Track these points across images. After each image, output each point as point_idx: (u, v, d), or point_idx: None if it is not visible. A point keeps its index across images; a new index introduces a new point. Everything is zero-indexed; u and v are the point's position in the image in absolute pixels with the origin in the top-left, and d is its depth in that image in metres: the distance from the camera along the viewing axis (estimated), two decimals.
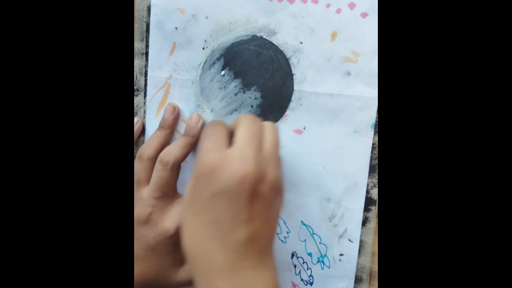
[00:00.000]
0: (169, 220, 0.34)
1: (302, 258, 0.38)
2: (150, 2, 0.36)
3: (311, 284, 0.38)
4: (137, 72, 0.38)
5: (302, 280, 0.39)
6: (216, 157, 0.27)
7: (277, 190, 0.29)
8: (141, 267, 0.34)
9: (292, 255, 0.38)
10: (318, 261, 0.38)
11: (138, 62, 0.37)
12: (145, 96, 0.38)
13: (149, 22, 0.36)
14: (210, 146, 0.28)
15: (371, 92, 0.35)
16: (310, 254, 0.38)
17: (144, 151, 0.35)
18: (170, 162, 0.34)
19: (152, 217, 0.34)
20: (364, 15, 0.34)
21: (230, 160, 0.27)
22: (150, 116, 0.38)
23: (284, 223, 0.38)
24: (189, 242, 0.28)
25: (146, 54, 0.37)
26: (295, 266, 0.38)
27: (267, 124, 0.31)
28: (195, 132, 0.36)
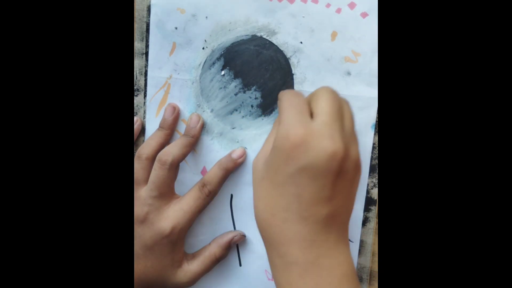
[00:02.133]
0: (165, 220, 0.34)
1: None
2: (150, 2, 0.36)
3: None
4: (137, 72, 0.38)
5: None
6: (303, 131, 0.26)
7: (358, 168, 0.28)
8: (142, 266, 0.34)
9: None
10: None
11: (138, 62, 0.37)
12: (145, 96, 0.38)
13: (149, 22, 0.36)
14: (294, 118, 0.27)
15: (371, 92, 0.35)
16: None
17: (143, 151, 0.35)
18: (168, 162, 0.34)
19: (148, 217, 0.34)
20: (364, 15, 0.34)
21: (318, 136, 0.26)
22: (150, 116, 0.38)
23: None
24: (264, 211, 0.28)
25: (146, 54, 0.37)
26: None
27: (343, 99, 0.30)
28: (195, 132, 0.36)
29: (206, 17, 0.36)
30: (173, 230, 0.34)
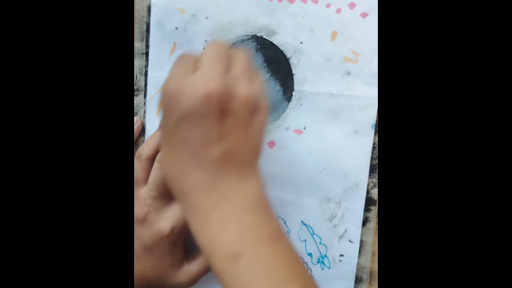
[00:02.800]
0: (164, 221, 0.34)
1: (302, 259, 0.38)
2: (150, 2, 0.36)
3: None
4: (137, 72, 0.38)
5: None
6: (178, 82, 0.27)
7: (255, 106, 0.28)
8: (141, 267, 0.34)
9: None
10: (318, 262, 0.38)
11: (138, 62, 0.37)
12: (145, 96, 0.38)
13: (149, 22, 0.36)
14: (175, 73, 0.28)
15: (371, 92, 0.35)
16: (310, 255, 0.38)
17: (143, 151, 0.35)
18: None
19: (148, 217, 0.34)
20: (364, 15, 0.34)
21: (192, 82, 0.26)
22: (150, 116, 0.38)
23: (284, 223, 0.38)
24: (166, 167, 0.29)
25: (146, 54, 0.37)
26: None
27: (235, 49, 0.30)
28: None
29: (207, 17, 0.36)
30: (172, 230, 0.33)
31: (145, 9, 0.36)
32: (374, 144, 0.35)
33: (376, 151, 0.35)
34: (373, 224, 0.36)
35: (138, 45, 0.37)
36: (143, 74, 0.38)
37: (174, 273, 0.35)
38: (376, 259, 0.37)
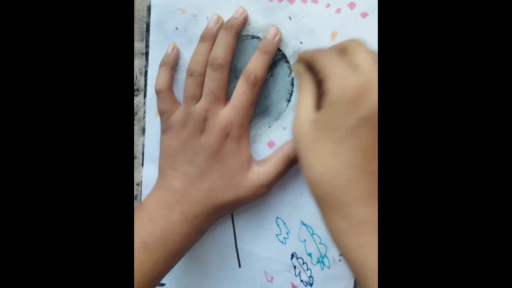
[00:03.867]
0: (224, 120, 0.33)
1: (302, 259, 0.38)
2: (150, 2, 0.36)
3: (311, 285, 0.38)
4: (137, 72, 0.38)
5: (302, 281, 0.39)
6: (359, 80, 0.25)
7: None
8: (209, 182, 0.33)
9: (292, 256, 0.38)
10: (318, 262, 0.38)
11: (138, 62, 0.37)
12: (145, 96, 0.38)
13: (149, 22, 0.37)
14: (344, 70, 0.26)
15: None
16: (310, 255, 0.38)
17: (194, 68, 0.34)
18: (219, 65, 0.33)
19: (208, 124, 0.33)
20: (364, 15, 0.34)
21: (374, 83, 0.25)
22: (150, 116, 0.38)
23: (284, 223, 0.38)
24: (324, 174, 0.26)
25: (146, 54, 0.37)
26: (295, 267, 0.38)
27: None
28: (234, 23, 0.34)
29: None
30: (232, 126, 0.33)
31: (145, 9, 0.36)
32: None
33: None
34: None
35: (138, 45, 0.37)
36: (143, 74, 0.38)
37: (246, 175, 0.34)
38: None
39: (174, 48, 0.36)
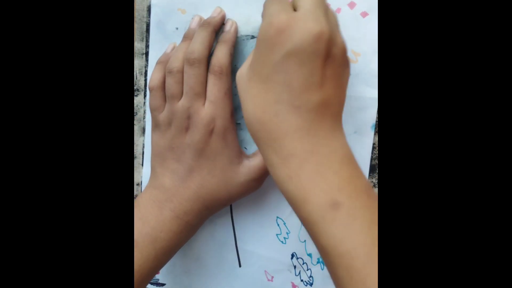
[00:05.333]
0: (206, 117, 0.32)
1: (302, 259, 0.38)
2: (150, 2, 0.36)
3: (311, 284, 0.38)
4: (137, 72, 0.38)
5: (302, 280, 0.39)
6: (286, 17, 0.25)
7: (346, 59, 0.28)
8: (199, 179, 0.33)
9: (292, 255, 0.38)
10: (318, 262, 0.38)
11: (138, 62, 0.37)
12: (145, 96, 0.38)
13: (149, 22, 0.37)
14: (276, 8, 0.26)
15: (371, 92, 0.35)
16: (310, 255, 0.38)
17: (173, 65, 0.33)
18: (196, 60, 0.32)
19: (192, 121, 0.33)
20: (364, 14, 0.34)
21: (302, 19, 0.25)
22: (149, 116, 0.38)
23: (284, 223, 0.38)
24: (256, 110, 0.27)
25: (146, 54, 0.37)
26: (295, 266, 0.38)
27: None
28: (215, 22, 0.34)
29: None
30: (214, 121, 0.33)
31: (145, 9, 0.36)
32: (374, 144, 0.35)
33: (376, 151, 0.35)
34: None
35: (138, 45, 0.37)
36: (143, 74, 0.38)
37: (236, 170, 0.33)
38: None
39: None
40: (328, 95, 0.26)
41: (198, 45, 0.33)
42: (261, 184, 0.35)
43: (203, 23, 0.34)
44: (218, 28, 0.35)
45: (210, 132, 0.33)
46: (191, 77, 0.33)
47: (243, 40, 0.35)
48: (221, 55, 0.33)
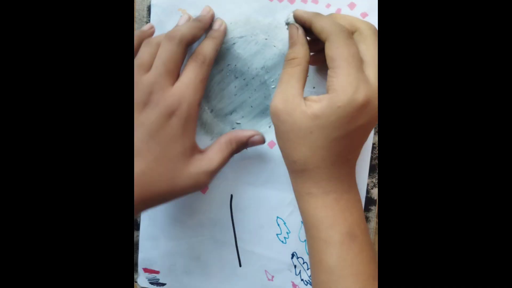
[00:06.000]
0: (170, 97, 0.30)
1: (302, 258, 0.38)
2: (150, 2, 0.36)
3: (311, 284, 0.38)
4: None
5: (302, 280, 0.39)
6: (366, 92, 0.27)
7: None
8: (142, 165, 0.30)
9: (292, 255, 0.38)
10: None
11: None
12: None
13: (149, 22, 0.36)
14: (355, 77, 0.27)
15: None
16: None
17: (154, 38, 0.33)
18: (177, 37, 0.31)
19: (152, 98, 0.30)
20: (364, 15, 0.34)
21: (375, 95, 0.28)
22: None
23: (284, 223, 0.38)
24: (311, 158, 0.29)
25: None
26: (295, 266, 0.38)
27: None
28: (206, 19, 0.34)
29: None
30: (180, 104, 0.30)
31: (145, 9, 0.36)
32: (374, 144, 0.35)
33: (376, 151, 0.35)
34: (373, 224, 0.36)
35: None
36: None
37: (186, 161, 0.31)
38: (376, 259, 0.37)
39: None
40: (357, 154, 0.31)
41: (184, 28, 0.32)
42: (210, 181, 0.33)
43: (193, 19, 0.34)
44: (207, 26, 0.34)
45: (170, 114, 0.30)
46: (166, 51, 0.31)
47: (243, 40, 0.35)
48: (207, 47, 0.33)
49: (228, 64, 0.36)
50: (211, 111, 0.37)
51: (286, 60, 0.30)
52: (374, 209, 0.36)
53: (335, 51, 0.28)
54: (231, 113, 0.37)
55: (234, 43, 0.36)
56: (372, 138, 0.35)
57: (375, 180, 0.36)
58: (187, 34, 0.32)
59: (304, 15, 0.30)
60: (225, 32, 0.35)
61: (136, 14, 0.36)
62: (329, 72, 0.28)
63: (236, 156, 0.35)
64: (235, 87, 0.36)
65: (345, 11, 0.34)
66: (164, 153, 0.30)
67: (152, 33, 0.35)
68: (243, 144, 0.34)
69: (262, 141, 0.35)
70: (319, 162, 0.29)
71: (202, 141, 0.37)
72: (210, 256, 0.39)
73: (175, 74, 0.31)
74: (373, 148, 0.35)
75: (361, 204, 0.32)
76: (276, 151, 0.36)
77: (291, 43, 0.31)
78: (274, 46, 0.35)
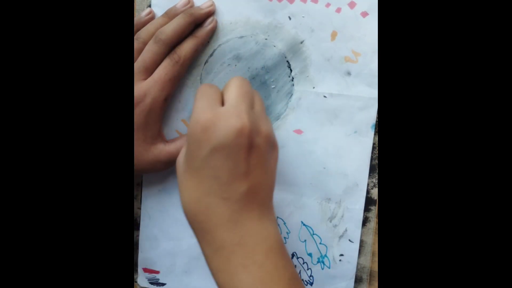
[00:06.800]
0: (137, 92, 0.33)
1: (302, 259, 0.38)
2: (150, 2, 0.36)
3: (311, 284, 0.38)
4: None
5: (302, 280, 0.39)
6: (210, 114, 0.27)
7: (272, 144, 0.30)
8: None
9: (292, 255, 0.38)
10: (318, 262, 0.38)
11: None
12: None
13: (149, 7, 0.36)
14: (203, 105, 0.28)
15: (371, 92, 0.35)
16: (310, 255, 0.38)
17: (142, 35, 0.34)
18: (161, 39, 0.33)
19: None
20: (364, 14, 0.34)
21: (225, 116, 0.27)
22: None
23: (284, 223, 0.38)
24: (189, 201, 0.28)
25: None
26: (295, 266, 0.38)
27: (253, 90, 0.32)
28: (198, 14, 0.34)
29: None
30: (144, 98, 0.33)
31: (145, 9, 0.36)
32: (374, 144, 0.35)
33: (376, 151, 0.35)
34: (373, 224, 0.36)
35: None
36: None
37: (147, 148, 0.34)
38: (376, 259, 0.37)
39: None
40: (254, 183, 0.28)
41: (170, 30, 0.33)
42: (166, 168, 0.35)
43: (187, 11, 0.34)
44: (199, 21, 0.35)
45: (135, 104, 0.33)
46: (149, 52, 0.33)
47: (243, 40, 0.35)
48: (186, 46, 0.34)
49: (228, 64, 0.36)
50: None
51: None
52: (374, 209, 0.36)
53: (195, 96, 0.30)
54: None
55: (234, 43, 0.36)
56: (372, 138, 0.35)
57: (375, 180, 0.36)
58: (172, 36, 0.33)
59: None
60: (211, 32, 0.35)
61: (136, 14, 0.36)
62: None
63: None
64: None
65: (345, 10, 0.34)
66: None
67: (151, 18, 0.36)
68: None
69: None
70: (193, 206, 0.28)
71: None
72: None
73: (152, 71, 0.34)
74: (373, 148, 0.35)
75: (276, 246, 0.28)
76: None
77: None
78: (274, 46, 0.35)
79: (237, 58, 0.36)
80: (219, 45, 0.36)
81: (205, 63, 0.36)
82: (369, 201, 0.36)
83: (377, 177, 0.36)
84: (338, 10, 0.34)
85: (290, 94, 0.36)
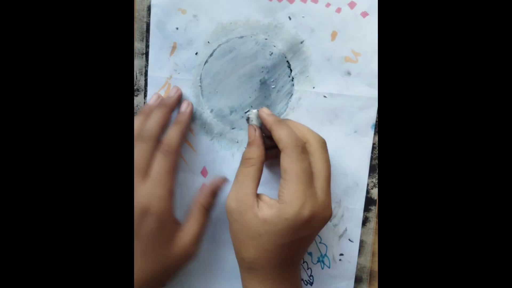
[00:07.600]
0: (142, 198, 0.32)
1: (302, 258, 0.38)
2: (150, 2, 0.36)
3: (311, 284, 0.38)
4: (137, 72, 0.38)
5: (302, 280, 0.39)
6: (312, 208, 0.30)
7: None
8: (138, 265, 0.32)
9: None
10: (318, 261, 0.38)
11: (138, 62, 0.37)
12: (145, 96, 0.38)
13: (149, 22, 0.37)
14: (304, 193, 0.30)
15: (371, 92, 0.35)
16: (310, 254, 0.38)
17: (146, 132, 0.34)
18: (146, 137, 0.33)
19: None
20: (364, 14, 0.34)
21: (322, 208, 0.30)
22: None
23: None
24: (259, 258, 0.31)
25: (146, 54, 0.37)
26: None
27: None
28: (171, 102, 0.35)
29: (208, 17, 0.36)
30: (150, 201, 0.32)
31: (145, 9, 0.36)
32: (374, 144, 0.35)
33: (376, 151, 0.35)
34: (373, 224, 0.36)
35: (138, 45, 0.37)
36: (143, 74, 0.38)
37: (171, 248, 0.33)
38: (376, 259, 0.37)
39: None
40: (301, 257, 0.34)
41: (152, 124, 0.34)
42: (197, 248, 0.35)
43: (160, 103, 0.35)
44: (174, 107, 0.36)
45: (145, 212, 0.32)
46: (138, 152, 0.33)
47: (243, 40, 0.35)
48: (172, 134, 0.34)
49: (228, 64, 0.36)
50: (211, 111, 0.37)
51: (242, 158, 0.32)
52: (374, 209, 0.36)
53: (288, 165, 0.30)
54: (231, 113, 0.37)
55: (234, 43, 0.36)
56: (372, 138, 0.35)
57: (375, 180, 0.36)
58: (157, 130, 0.34)
59: (266, 119, 0.32)
60: (191, 115, 0.36)
61: (136, 14, 0.36)
62: (281, 182, 0.31)
63: (236, 158, 0.35)
64: (235, 87, 0.36)
65: (345, 10, 0.34)
66: (148, 248, 0.33)
67: (178, 98, 0.37)
68: (211, 196, 0.36)
69: (224, 182, 0.37)
70: (264, 263, 0.31)
71: (202, 141, 0.37)
72: (210, 256, 0.39)
73: (147, 169, 0.33)
74: (373, 148, 0.35)
75: None
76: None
77: (249, 142, 0.33)
78: (274, 46, 0.35)
79: (237, 58, 0.36)
80: (219, 45, 0.36)
81: (205, 63, 0.36)
82: (369, 201, 0.36)
83: (377, 177, 0.36)
84: (338, 10, 0.34)
85: (290, 94, 0.36)
